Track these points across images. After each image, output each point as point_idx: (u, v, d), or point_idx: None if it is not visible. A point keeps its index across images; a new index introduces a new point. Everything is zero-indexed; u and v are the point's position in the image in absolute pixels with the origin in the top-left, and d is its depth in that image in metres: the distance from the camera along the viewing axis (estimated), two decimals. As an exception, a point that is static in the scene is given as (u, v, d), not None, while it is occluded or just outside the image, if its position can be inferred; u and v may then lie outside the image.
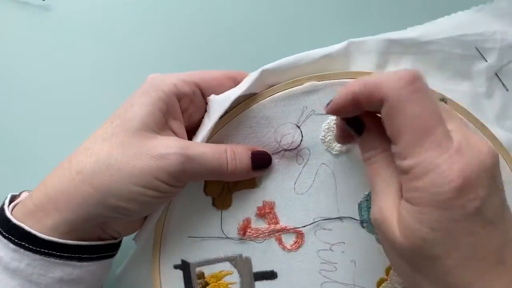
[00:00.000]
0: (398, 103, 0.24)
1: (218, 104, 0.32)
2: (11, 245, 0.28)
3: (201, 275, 0.34)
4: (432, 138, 0.24)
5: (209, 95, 0.33)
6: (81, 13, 0.42)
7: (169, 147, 0.29)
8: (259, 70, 0.33)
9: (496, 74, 0.35)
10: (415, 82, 0.24)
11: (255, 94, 0.33)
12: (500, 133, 0.34)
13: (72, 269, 0.29)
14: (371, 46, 0.34)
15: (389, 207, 0.26)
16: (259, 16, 0.41)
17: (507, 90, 0.35)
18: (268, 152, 0.33)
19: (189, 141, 0.31)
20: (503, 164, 0.34)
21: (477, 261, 0.23)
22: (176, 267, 0.34)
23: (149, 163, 0.28)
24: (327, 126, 0.33)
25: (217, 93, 0.33)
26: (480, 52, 0.35)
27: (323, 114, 0.33)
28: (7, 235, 0.28)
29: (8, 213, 0.29)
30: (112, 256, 0.33)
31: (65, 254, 0.29)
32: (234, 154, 0.31)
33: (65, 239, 0.29)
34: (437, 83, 0.35)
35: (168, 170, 0.28)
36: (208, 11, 0.42)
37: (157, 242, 0.34)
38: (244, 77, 0.33)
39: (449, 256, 0.23)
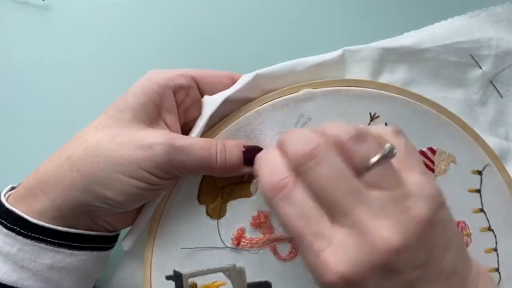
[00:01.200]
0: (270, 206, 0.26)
1: (210, 103, 0.32)
2: (4, 230, 0.28)
3: (193, 286, 0.33)
4: (303, 239, 0.24)
5: (206, 91, 0.33)
6: (81, 13, 0.42)
7: (156, 137, 0.29)
8: (253, 73, 0.33)
9: (491, 81, 0.36)
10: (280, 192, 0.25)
11: (250, 100, 0.33)
12: (492, 141, 0.35)
13: (63, 257, 0.29)
14: (365, 55, 0.34)
15: None
16: (257, 17, 0.42)
17: (501, 97, 0.36)
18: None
19: (177, 134, 0.30)
20: (495, 173, 0.34)
21: None
22: (168, 278, 0.33)
23: (135, 153, 0.28)
24: (323, 134, 0.33)
25: (215, 90, 0.33)
26: (475, 59, 0.35)
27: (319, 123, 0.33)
28: (0, 219, 0.28)
29: (2, 199, 0.29)
30: (105, 249, 0.32)
31: (55, 241, 0.29)
32: (224, 147, 0.31)
33: (53, 225, 0.29)
34: (431, 91, 0.35)
35: (154, 160, 0.28)
36: (209, 12, 0.42)
37: (148, 252, 0.33)
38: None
39: None
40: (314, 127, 0.26)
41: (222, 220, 0.33)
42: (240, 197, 0.33)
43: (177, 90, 0.31)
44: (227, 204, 0.33)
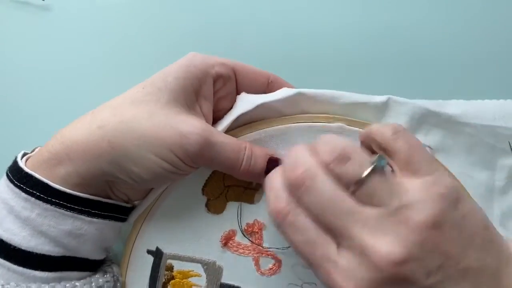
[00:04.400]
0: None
1: (245, 103, 0.32)
2: (23, 194, 0.28)
3: (170, 267, 0.34)
4: (312, 263, 0.24)
5: (242, 84, 0.33)
6: (81, 13, 0.42)
7: (194, 126, 0.29)
8: (295, 90, 0.33)
9: None
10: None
11: (282, 114, 0.33)
12: (501, 232, 0.35)
13: (82, 224, 0.29)
14: (408, 109, 0.34)
15: None
16: (258, 16, 0.42)
17: None
18: None
19: (213, 128, 0.31)
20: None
21: None
22: (149, 252, 0.34)
23: (171, 137, 0.28)
24: (341, 171, 0.33)
25: (250, 86, 0.33)
26: (511, 148, 0.34)
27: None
28: (18, 184, 0.28)
29: (21, 163, 0.29)
30: (121, 219, 0.32)
31: (76, 207, 0.29)
32: (252, 153, 0.31)
33: (75, 191, 0.29)
34: (457, 165, 0.35)
35: (186, 148, 0.28)
36: (210, 11, 0.42)
37: (139, 222, 0.34)
38: (277, 79, 0.34)
39: None
40: (313, 142, 0.26)
41: (218, 217, 0.34)
42: (243, 201, 0.34)
43: (217, 79, 0.31)
44: (228, 203, 0.34)
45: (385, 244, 0.22)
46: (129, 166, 0.28)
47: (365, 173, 0.24)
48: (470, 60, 0.41)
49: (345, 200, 0.24)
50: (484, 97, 0.35)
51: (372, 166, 0.24)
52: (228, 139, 0.30)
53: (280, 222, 0.25)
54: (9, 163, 0.36)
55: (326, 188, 0.24)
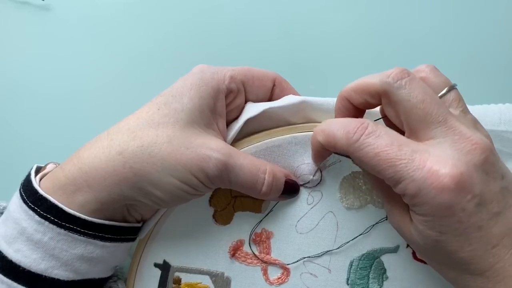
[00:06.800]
0: (352, 152, 0.27)
1: (251, 110, 0.33)
2: (36, 217, 0.27)
3: (177, 281, 0.34)
4: (401, 162, 0.25)
5: (250, 93, 0.33)
6: (81, 13, 0.42)
7: (214, 150, 0.29)
8: (300, 98, 0.33)
9: None
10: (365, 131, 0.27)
11: (289, 123, 0.33)
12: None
13: (94, 248, 0.29)
14: None
15: (397, 215, 0.29)
16: (260, 16, 0.42)
17: None
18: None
19: (234, 149, 0.31)
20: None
21: (491, 248, 0.25)
22: (156, 265, 0.34)
23: (191, 160, 0.28)
24: (348, 179, 0.33)
25: (258, 93, 0.33)
26: None
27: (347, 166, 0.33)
28: (33, 206, 0.28)
29: (35, 184, 0.28)
30: (133, 240, 0.32)
31: (90, 232, 0.28)
32: (273, 178, 0.31)
33: (92, 217, 0.28)
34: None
35: (206, 172, 0.28)
36: (209, 10, 0.42)
37: (145, 237, 0.33)
38: (281, 82, 0.34)
39: (463, 250, 0.25)
40: None
41: (225, 227, 0.34)
42: (250, 210, 0.33)
43: (228, 93, 0.31)
44: (235, 214, 0.34)
45: (478, 134, 0.26)
46: (151, 190, 0.28)
47: (447, 88, 0.28)
48: (475, 62, 0.41)
49: (438, 98, 0.27)
50: (489, 101, 0.36)
51: (452, 84, 0.28)
52: (247, 161, 0.30)
53: (359, 136, 0.26)
54: (8, 162, 0.36)
55: (424, 84, 0.27)
